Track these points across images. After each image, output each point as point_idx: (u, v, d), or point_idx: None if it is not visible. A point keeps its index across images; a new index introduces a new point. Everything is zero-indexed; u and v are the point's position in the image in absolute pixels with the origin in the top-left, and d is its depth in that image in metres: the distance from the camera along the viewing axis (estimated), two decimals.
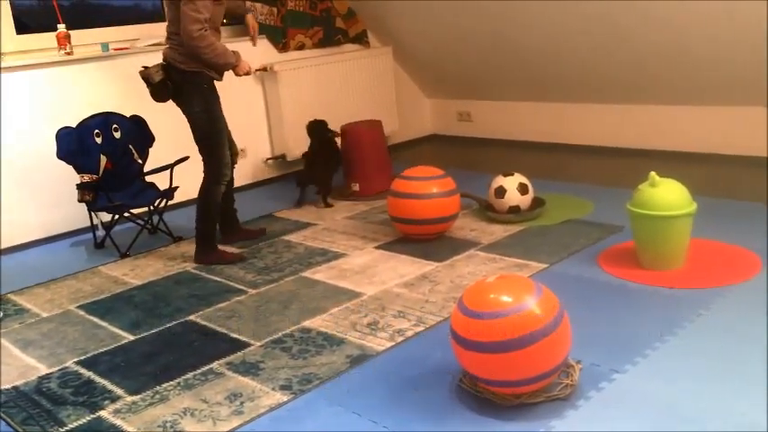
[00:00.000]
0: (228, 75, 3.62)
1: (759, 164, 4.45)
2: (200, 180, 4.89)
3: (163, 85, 3.50)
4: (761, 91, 4.39)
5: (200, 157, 3.66)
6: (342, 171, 4.78)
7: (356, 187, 4.70)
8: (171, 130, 4.62)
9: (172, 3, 3.46)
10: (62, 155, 3.93)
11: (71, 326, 3.13)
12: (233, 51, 3.58)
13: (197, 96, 3.53)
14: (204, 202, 3.69)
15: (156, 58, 3.65)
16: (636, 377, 2.31)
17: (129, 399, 2.47)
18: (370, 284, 3.27)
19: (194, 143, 3.66)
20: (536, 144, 5.68)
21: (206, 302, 3.24)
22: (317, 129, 4.58)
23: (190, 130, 3.60)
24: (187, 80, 3.50)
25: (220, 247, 3.81)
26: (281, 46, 5.31)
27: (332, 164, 4.59)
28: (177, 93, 3.55)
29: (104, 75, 4.46)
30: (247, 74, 3.73)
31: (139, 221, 4.17)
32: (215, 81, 3.62)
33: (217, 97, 3.63)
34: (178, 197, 4.41)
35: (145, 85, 3.54)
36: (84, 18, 4.64)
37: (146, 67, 3.52)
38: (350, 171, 4.74)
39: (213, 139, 3.61)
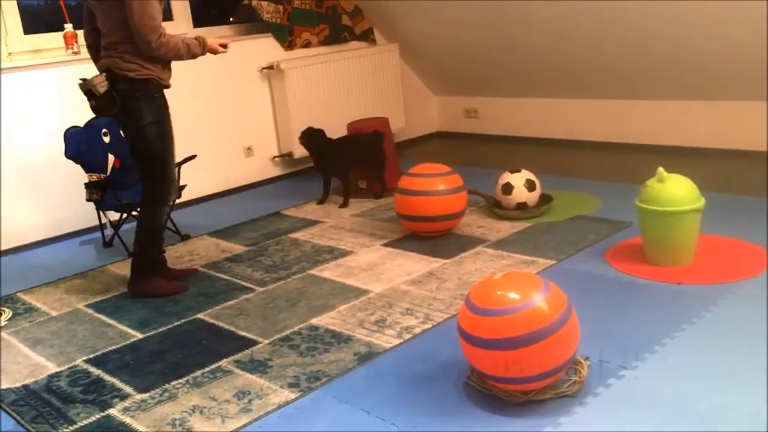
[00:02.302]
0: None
1: (759, 158, 4.45)
2: (206, 179, 4.96)
3: (108, 96, 3.17)
4: (761, 86, 4.38)
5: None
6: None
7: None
8: (178, 129, 4.63)
9: (107, 12, 3.14)
10: (70, 154, 3.95)
11: (80, 324, 3.14)
12: (194, 38, 3.26)
13: (148, 106, 3.21)
14: (150, 225, 3.36)
15: None
16: (644, 374, 2.30)
17: (138, 397, 2.48)
18: (378, 282, 3.27)
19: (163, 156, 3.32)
20: (543, 140, 5.67)
21: (214, 300, 3.25)
22: (312, 137, 4.57)
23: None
24: (136, 89, 3.18)
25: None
26: (288, 44, 5.31)
27: (347, 161, 4.58)
28: (123, 104, 3.20)
29: None
30: (224, 47, 3.38)
31: None
32: (164, 90, 3.30)
33: (168, 109, 3.31)
34: (186, 195, 4.43)
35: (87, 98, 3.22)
36: None
37: (84, 80, 3.18)
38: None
39: (163, 155, 3.29)
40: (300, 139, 4.59)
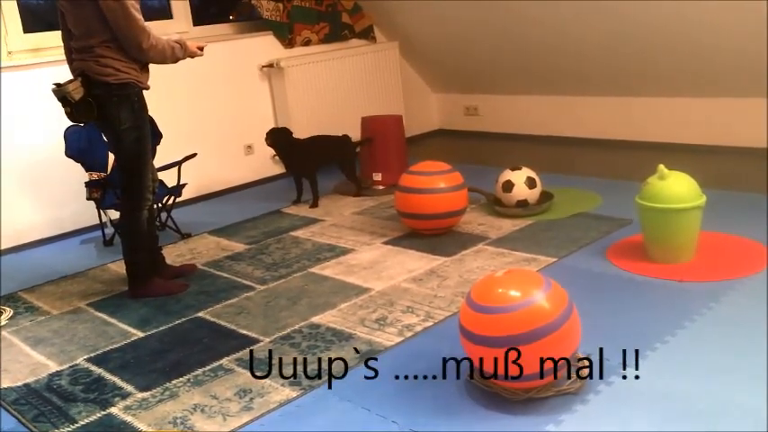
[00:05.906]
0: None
1: (760, 155, 4.44)
2: (206, 177, 4.96)
3: (85, 102, 3.05)
4: (761, 83, 4.38)
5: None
6: (360, 162, 4.82)
7: (378, 177, 4.74)
8: (179, 128, 4.63)
9: (80, 13, 3.03)
10: (70, 153, 3.95)
11: (81, 323, 3.14)
12: (175, 42, 3.17)
13: (126, 111, 3.10)
14: (130, 232, 3.30)
15: None
16: (646, 371, 2.30)
17: (140, 395, 2.48)
18: (379, 280, 3.27)
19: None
20: (543, 138, 5.67)
21: (215, 299, 3.24)
22: (278, 137, 4.57)
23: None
24: (114, 94, 3.07)
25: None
26: (288, 41, 5.31)
27: (315, 162, 4.61)
28: (101, 109, 3.09)
29: None
30: (200, 50, 3.31)
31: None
32: (143, 91, 3.20)
33: (146, 112, 3.22)
34: (186, 194, 4.43)
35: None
36: None
37: (59, 85, 3.05)
38: (373, 162, 4.79)
39: (140, 161, 3.19)
40: (266, 140, 4.58)
